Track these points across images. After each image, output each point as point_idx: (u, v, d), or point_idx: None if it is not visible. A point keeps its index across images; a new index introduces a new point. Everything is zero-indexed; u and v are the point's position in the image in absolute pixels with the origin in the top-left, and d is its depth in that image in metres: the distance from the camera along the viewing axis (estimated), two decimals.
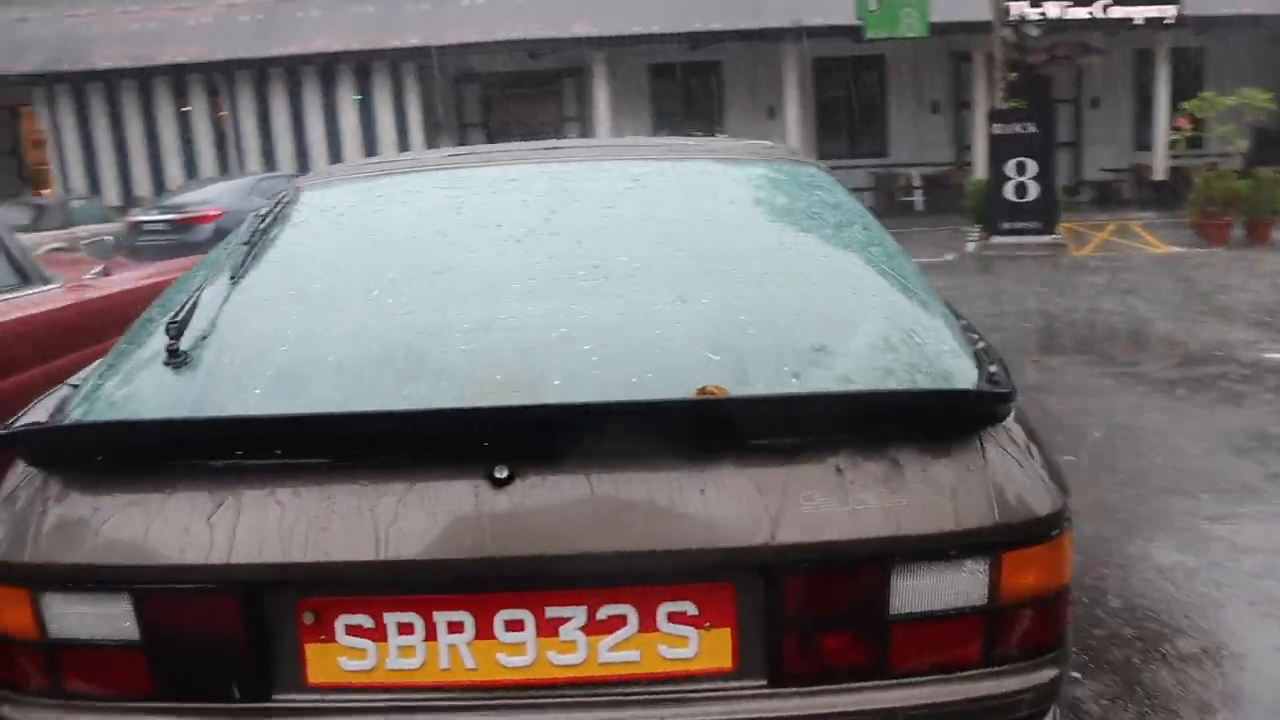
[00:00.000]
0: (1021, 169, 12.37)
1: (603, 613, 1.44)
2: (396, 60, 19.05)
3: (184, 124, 19.63)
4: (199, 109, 19.55)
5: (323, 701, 1.48)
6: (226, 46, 18.94)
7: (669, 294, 1.75)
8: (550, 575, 1.43)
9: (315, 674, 1.48)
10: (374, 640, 1.47)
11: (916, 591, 1.42)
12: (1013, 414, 1.56)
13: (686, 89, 21.25)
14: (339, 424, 1.45)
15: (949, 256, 12.20)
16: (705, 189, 2.26)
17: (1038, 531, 1.44)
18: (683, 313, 1.70)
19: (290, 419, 1.49)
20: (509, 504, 1.41)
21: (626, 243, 1.96)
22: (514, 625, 1.45)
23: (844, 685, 1.44)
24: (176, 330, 1.72)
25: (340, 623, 1.47)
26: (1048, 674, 1.48)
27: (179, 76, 19.25)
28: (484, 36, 18.58)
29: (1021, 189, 12.41)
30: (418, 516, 1.43)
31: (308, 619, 1.47)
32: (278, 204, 2.28)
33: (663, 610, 1.44)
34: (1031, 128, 12.33)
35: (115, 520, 1.46)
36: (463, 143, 21.85)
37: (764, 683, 1.44)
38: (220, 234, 14.33)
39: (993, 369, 1.57)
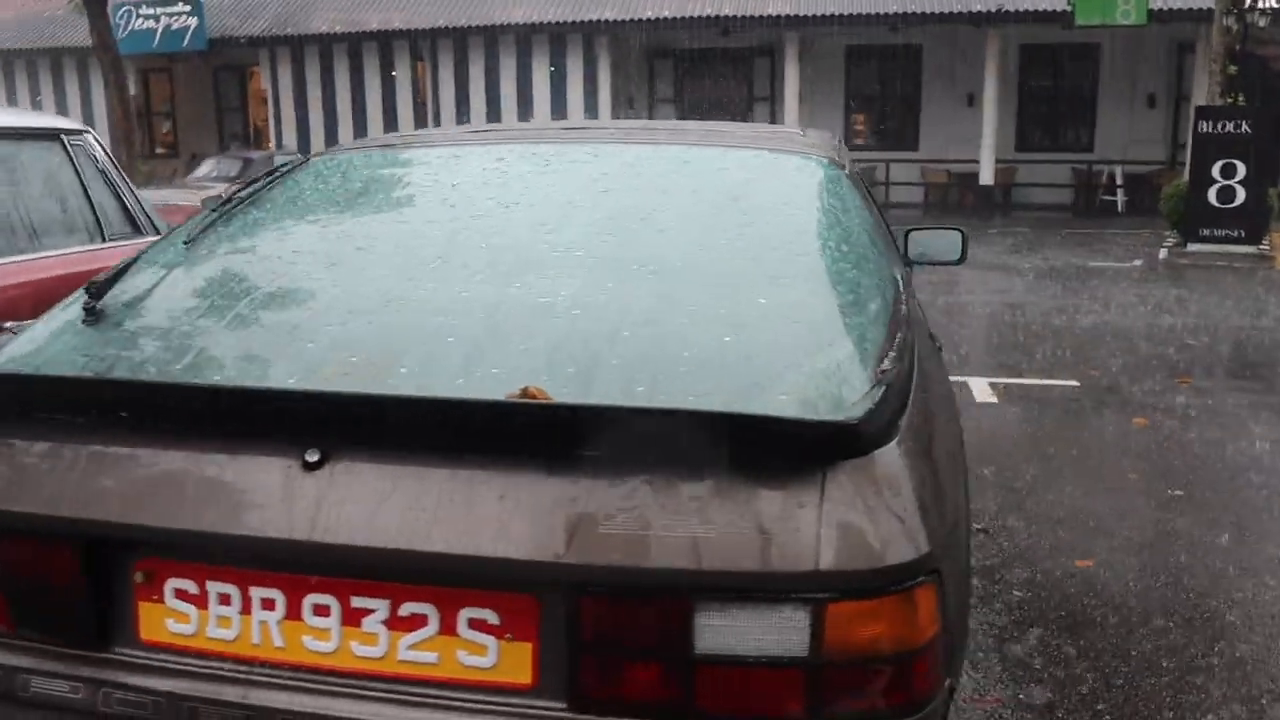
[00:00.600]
0: (1229, 171, 11.34)
1: (405, 609, 1.37)
2: (590, 33, 19.29)
3: (387, 87, 20.55)
4: (402, 73, 20.42)
5: (150, 659, 1.48)
6: (430, 15, 19.68)
7: (568, 288, 1.66)
8: (355, 564, 1.37)
9: (146, 632, 1.49)
10: (197, 606, 1.46)
11: (724, 633, 1.27)
12: (895, 446, 1.37)
13: (882, 72, 20.59)
14: (161, 393, 1.45)
15: (1136, 262, 11.35)
16: (680, 178, 2.14)
17: (878, 583, 1.26)
18: (566, 309, 1.61)
19: (120, 384, 1.50)
20: (318, 489, 1.37)
21: (563, 230, 1.88)
22: (321, 610, 1.40)
23: None
24: (97, 290, 1.77)
25: (169, 585, 1.47)
26: None
27: (385, 42, 20.14)
28: (677, 12, 18.57)
29: (1227, 193, 11.38)
30: (237, 491, 1.41)
31: (139, 578, 1.48)
32: (270, 173, 2.31)
33: (464, 615, 1.35)
34: (1245, 127, 11.27)
35: None
36: (653, 116, 22.05)
37: (563, 705, 1.33)
38: None
39: (875, 397, 1.37)
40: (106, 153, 3.94)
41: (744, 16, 18.35)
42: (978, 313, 8.25)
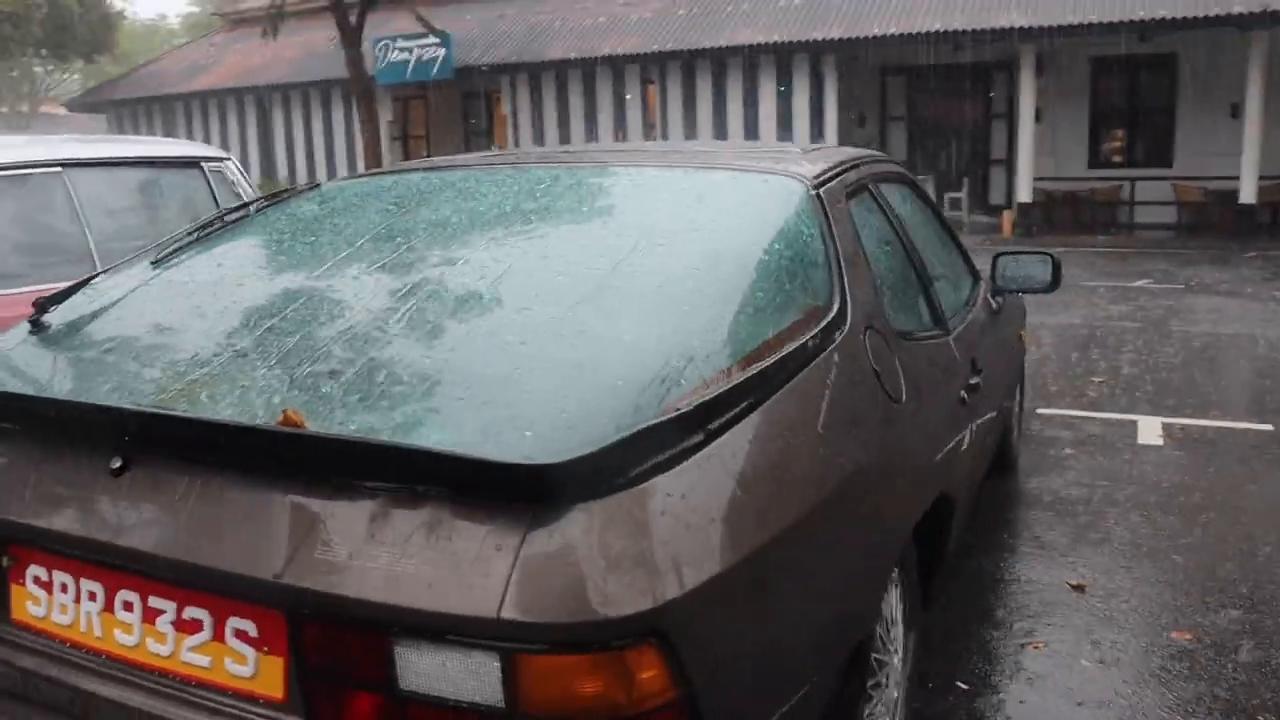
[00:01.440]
0: None
1: (187, 613, 1.45)
2: (817, 52, 19.12)
3: (618, 109, 21.18)
4: (633, 96, 21.00)
5: (17, 637, 1.64)
6: (660, 39, 20.14)
7: (408, 320, 1.71)
8: (150, 566, 1.46)
9: (16, 611, 1.65)
10: (46, 592, 1.60)
11: (426, 673, 1.25)
12: (629, 494, 1.29)
13: (1132, 84, 19.20)
14: (12, 401, 1.62)
15: None
16: (603, 203, 2.13)
17: (575, 638, 1.20)
18: (383, 338, 1.65)
19: None
20: (121, 494, 1.47)
21: (450, 264, 1.92)
22: (127, 606, 1.50)
23: None
24: (45, 304, 1.97)
25: (29, 572, 1.62)
26: None
27: (617, 66, 20.78)
28: (904, 28, 18.09)
29: None
30: (67, 491, 1.53)
31: (7, 562, 1.64)
32: (246, 204, 2.48)
33: (230, 624, 1.41)
34: None
35: None
36: (884, 136, 21.59)
37: None
38: None
39: (605, 443, 1.27)
40: (244, 177, 4.31)
41: (975, 30, 17.61)
42: (1193, 345, 7.52)
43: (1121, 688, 2.67)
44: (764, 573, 1.42)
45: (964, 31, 17.70)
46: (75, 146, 3.81)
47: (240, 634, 1.41)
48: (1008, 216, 18.31)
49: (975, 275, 3.27)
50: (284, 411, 1.41)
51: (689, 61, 20.11)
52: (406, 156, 24.62)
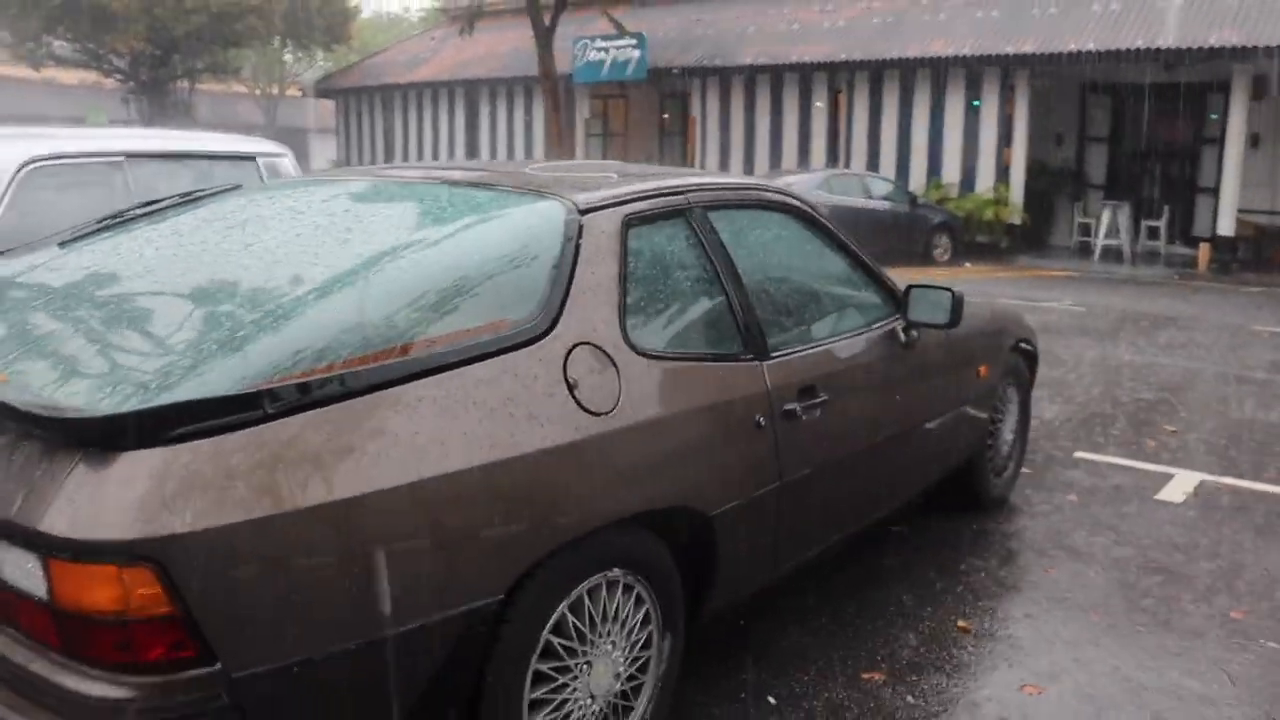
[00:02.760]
0: None
1: None
2: (1008, 67, 18.47)
3: (803, 117, 21.15)
4: (819, 104, 20.92)
5: None
6: (848, 48, 19.97)
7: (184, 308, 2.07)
8: None
9: None
10: None
11: (6, 564, 1.63)
12: (167, 448, 1.59)
13: None
14: None
15: None
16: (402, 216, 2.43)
17: (92, 551, 1.53)
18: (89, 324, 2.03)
19: None
20: None
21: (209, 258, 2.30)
22: None
23: None
24: None
25: None
26: (126, 684, 1.56)
27: (805, 74, 20.75)
28: (1106, 45, 17.22)
29: None
30: None
31: None
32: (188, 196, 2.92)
33: None
34: None
35: None
36: (1081, 158, 20.61)
37: None
38: None
39: (142, 404, 1.64)
40: (297, 172, 4.82)
41: (1183, 49, 16.55)
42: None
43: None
44: (303, 535, 1.68)
45: (1171, 50, 16.68)
46: (136, 140, 4.42)
47: None
48: (1205, 250, 17.15)
49: (879, 308, 3.32)
50: None
51: (877, 71, 19.85)
52: (605, 153, 25.42)
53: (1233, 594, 3.65)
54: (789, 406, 2.68)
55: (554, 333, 2.11)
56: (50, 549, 1.55)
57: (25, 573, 1.60)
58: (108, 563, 1.53)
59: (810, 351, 2.87)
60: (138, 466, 1.57)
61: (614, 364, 2.21)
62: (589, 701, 2.24)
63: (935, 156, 19.65)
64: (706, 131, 22.43)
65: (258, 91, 38.18)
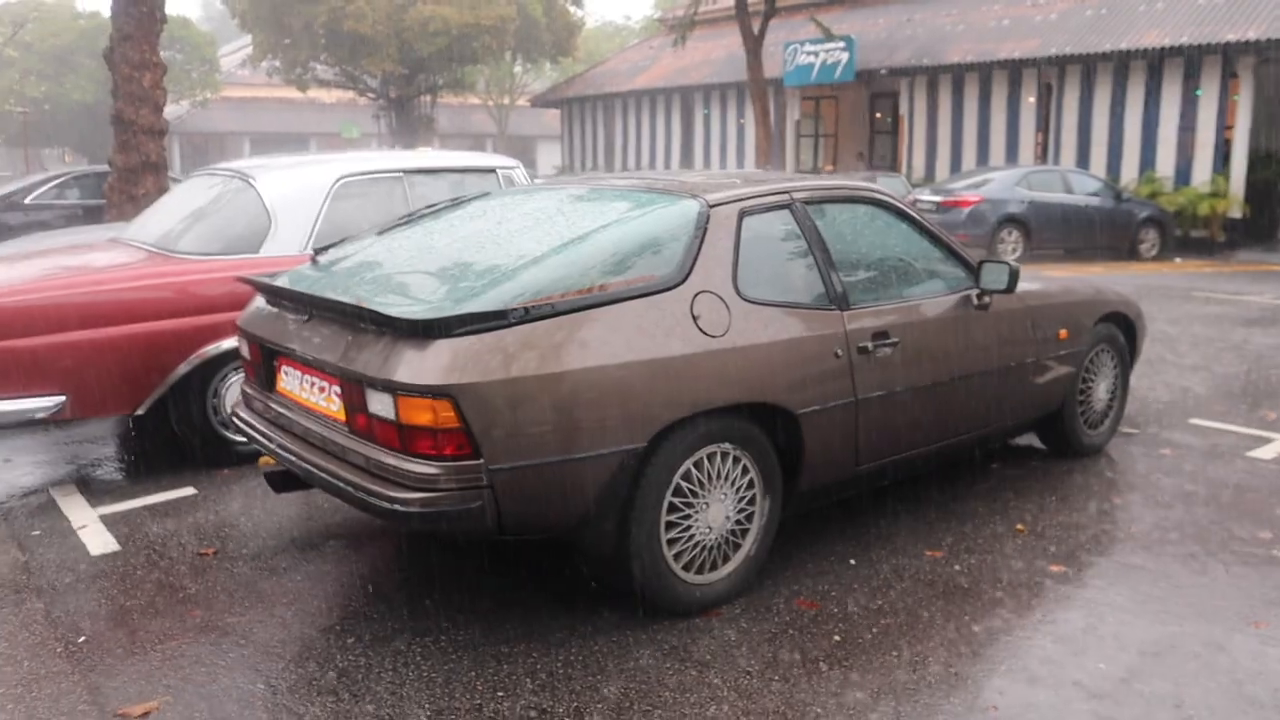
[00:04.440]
0: None
1: (322, 383, 3.27)
2: (1229, 54, 18.10)
3: (1011, 115, 21.32)
4: (1029, 100, 21.03)
5: (277, 399, 3.61)
6: (1059, 42, 20.03)
7: (436, 255, 3.50)
8: (312, 363, 3.29)
9: (278, 386, 3.60)
10: (287, 376, 3.55)
11: (376, 401, 2.96)
12: (457, 338, 2.88)
13: None
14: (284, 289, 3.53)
15: None
16: (582, 212, 3.74)
17: (415, 392, 2.83)
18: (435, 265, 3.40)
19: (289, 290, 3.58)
20: (307, 331, 3.33)
21: (474, 232, 3.74)
22: (309, 380, 3.35)
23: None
24: (318, 250, 3.91)
25: (282, 368, 3.56)
26: (435, 467, 2.87)
27: (1014, 70, 20.93)
28: None
29: None
30: (294, 329, 3.43)
31: (276, 363, 3.60)
32: (456, 199, 4.31)
33: (330, 387, 3.23)
34: None
35: None
36: None
37: (347, 427, 3.13)
38: (973, 219, 16.00)
39: (453, 312, 2.94)
40: (526, 178, 6.20)
41: None
42: None
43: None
44: (530, 391, 2.93)
45: None
46: (410, 160, 5.91)
47: (332, 390, 3.19)
48: None
49: (957, 278, 4.31)
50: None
51: (1089, 65, 19.82)
52: (815, 154, 26.30)
53: (1256, 522, 4.38)
54: (863, 344, 3.75)
55: (686, 283, 3.32)
56: (397, 390, 2.89)
57: (384, 404, 2.94)
58: (426, 397, 2.85)
59: (885, 306, 3.92)
60: (441, 347, 2.90)
61: (726, 305, 3.38)
62: (708, 531, 3.41)
63: (1149, 150, 19.43)
64: (916, 130, 22.91)
65: (490, 103, 41.26)
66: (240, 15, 28.68)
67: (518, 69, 38.60)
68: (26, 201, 14.62)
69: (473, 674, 3.09)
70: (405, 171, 5.79)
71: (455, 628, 3.38)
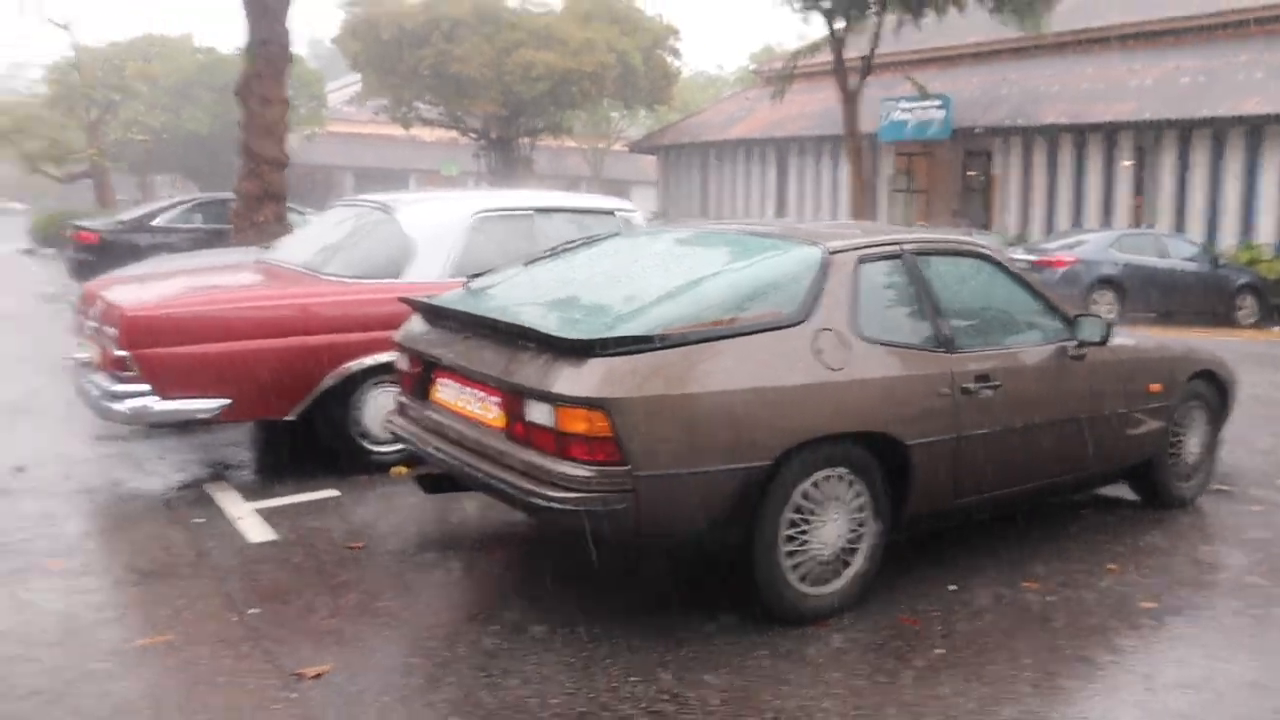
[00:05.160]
0: None
1: (481, 394, 3.68)
2: None
3: (1107, 176, 21.31)
4: (1125, 164, 21.01)
5: (433, 408, 4.03)
6: (1155, 106, 20.03)
7: (586, 286, 3.90)
8: (474, 376, 3.71)
9: (432, 395, 4.03)
10: (443, 387, 3.97)
11: (534, 410, 3.36)
12: (608, 358, 3.26)
13: None
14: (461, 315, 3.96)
15: None
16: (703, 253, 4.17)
17: (572, 403, 3.21)
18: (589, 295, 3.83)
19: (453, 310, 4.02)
20: (467, 346, 3.75)
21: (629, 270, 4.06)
22: (467, 392, 3.77)
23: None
24: (470, 278, 4.36)
25: (437, 379, 3.99)
26: (588, 470, 3.23)
27: (1109, 133, 20.96)
28: None
29: None
30: (459, 339, 3.87)
31: (431, 374, 4.03)
32: (590, 237, 4.73)
33: (490, 397, 3.61)
34: None
35: None
36: None
37: (505, 433, 3.52)
38: (1067, 279, 16.06)
39: (606, 335, 3.32)
40: (643, 222, 6.62)
41: None
42: None
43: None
44: (671, 408, 3.29)
45: None
46: (539, 200, 6.39)
47: (491, 400, 3.59)
48: None
49: (1056, 329, 4.58)
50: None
51: (1185, 130, 19.78)
52: (907, 208, 26.48)
53: None
54: (966, 385, 4.04)
55: (809, 321, 3.67)
56: (556, 401, 3.28)
57: (542, 413, 3.33)
58: (582, 408, 3.23)
59: (988, 351, 4.21)
60: (595, 364, 3.28)
61: (845, 343, 3.72)
62: (822, 547, 3.73)
63: (1248, 217, 19.29)
64: (1008, 188, 23.00)
65: (585, 146, 42.27)
66: (352, 56, 29.99)
67: (614, 114, 39.55)
68: (154, 224, 15.57)
69: (608, 661, 3.44)
70: (535, 210, 6.26)
71: (590, 621, 3.73)
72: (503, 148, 32.35)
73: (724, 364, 3.44)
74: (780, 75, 23.00)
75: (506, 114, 30.83)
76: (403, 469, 5.48)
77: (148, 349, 5.05)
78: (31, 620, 3.78)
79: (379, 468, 5.59)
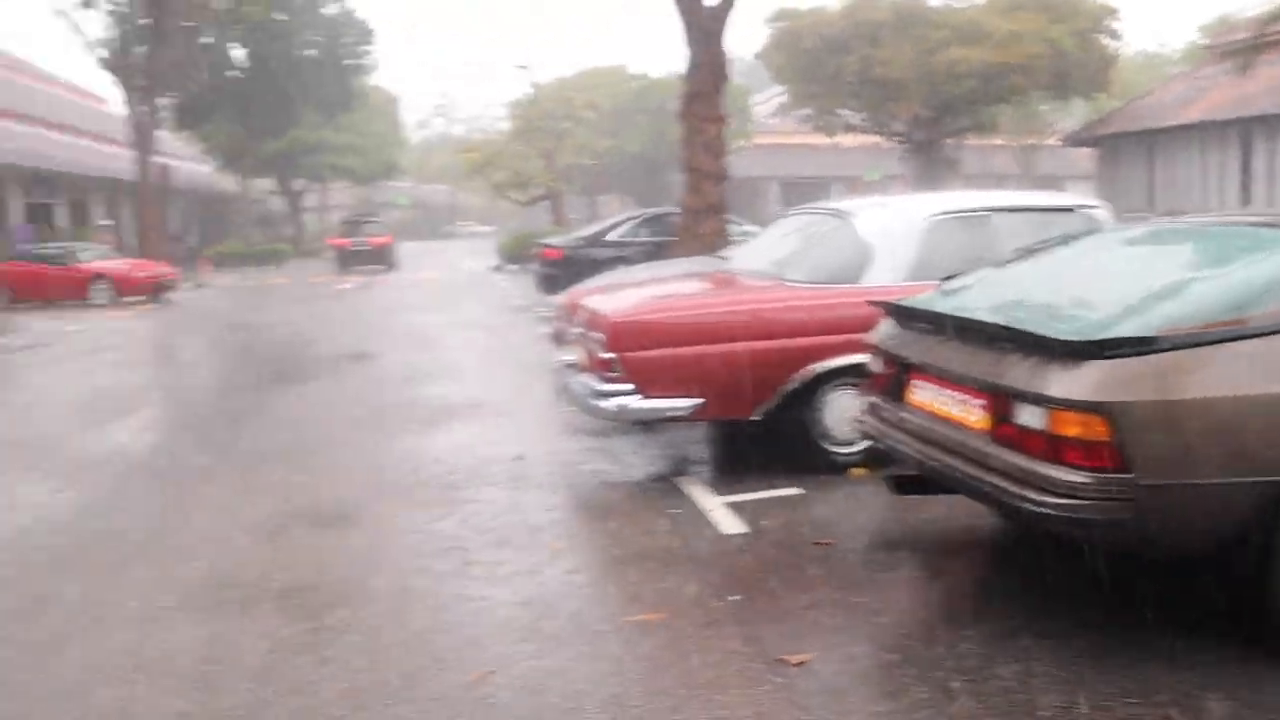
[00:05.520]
0: None
1: (963, 396, 3.67)
2: None
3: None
4: None
5: (911, 410, 4.07)
6: None
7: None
8: (954, 378, 3.72)
9: (908, 398, 4.08)
10: (919, 390, 4.02)
11: (1022, 413, 3.31)
12: (1105, 360, 3.12)
13: None
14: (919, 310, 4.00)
15: None
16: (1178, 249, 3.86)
17: (1068, 407, 3.12)
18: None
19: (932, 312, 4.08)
20: (946, 348, 3.78)
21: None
22: (947, 394, 3.79)
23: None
24: (944, 279, 4.37)
25: (913, 381, 4.04)
26: (1083, 476, 3.11)
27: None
28: None
29: None
30: (931, 346, 3.91)
31: (906, 376, 4.09)
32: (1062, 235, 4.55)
33: (973, 400, 3.60)
34: None
35: None
36: None
37: (989, 434, 3.50)
38: None
39: (1110, 335, 3.15)
40: (1110, 219, 6.22)
41: None
42: None
43: None
44: (1177, 414, 3.07)
45: None
46: (993, 200, 6.21)
47: (974, 402, 3.57)
48: None
49: None
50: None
51: None
52: None
53: None
54: None
55: None
56: (1048, 404, 3.20)
57: (1033, 416, 3.26)
58: (1078, 411, 3.13)
59: None
60: (1091, 367, 3.16)
61: None
62: None
63: None
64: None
65: (1013, 144, 40.21)
66: (776, 69, 30.82)
67: (1044, 107, 37.30)
68: (608, 239, 17.07)
69: (1096, 678, 3.28)
70: (991, 210, 6.11)
71: (1076, 635, 3.59)
72: (927, 149, 31.67)
73: (1237, 367, 3.17)
74: (1245, 45, 20.41)
75: (932, 115, 30.16)
76: (862, 470, 5.59)
77: (632, 352, 5.57)
78: (545, 584, 4.34)
79: (837, 468, 5.73)
